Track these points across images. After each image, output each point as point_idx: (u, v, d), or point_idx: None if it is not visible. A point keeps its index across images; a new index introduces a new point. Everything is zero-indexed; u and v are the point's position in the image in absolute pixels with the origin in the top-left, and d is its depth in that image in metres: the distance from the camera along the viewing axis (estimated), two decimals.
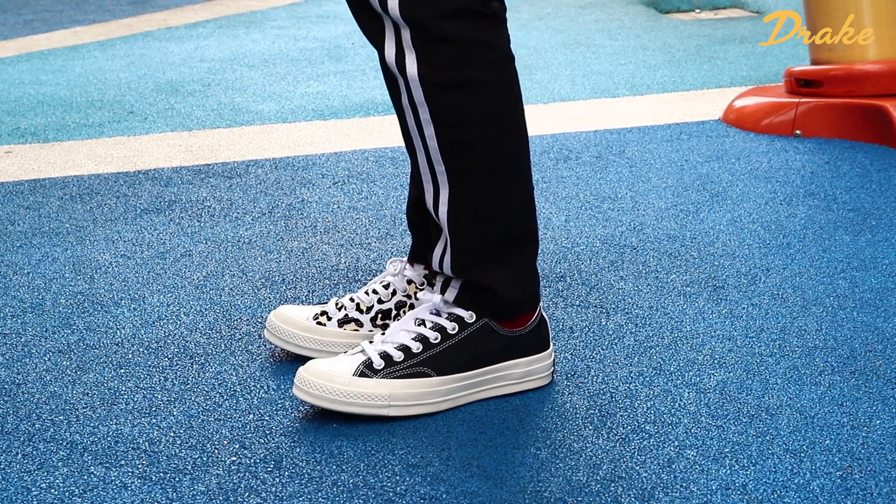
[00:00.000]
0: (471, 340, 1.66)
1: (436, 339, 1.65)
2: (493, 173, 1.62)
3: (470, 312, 1.66)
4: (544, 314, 1.72)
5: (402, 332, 1.65)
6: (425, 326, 1.65)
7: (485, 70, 1.58)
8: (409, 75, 1.58)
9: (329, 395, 1.60)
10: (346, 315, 1.79)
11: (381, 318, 1.79)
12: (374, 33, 1.61)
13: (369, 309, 1.79)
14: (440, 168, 1.61)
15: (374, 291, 1.80)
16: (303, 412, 1.66)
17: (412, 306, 1.79)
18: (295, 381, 1.63)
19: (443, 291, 1.68)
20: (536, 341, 1.70)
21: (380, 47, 1.59)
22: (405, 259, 1.82)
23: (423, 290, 1.77)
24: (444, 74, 1.57)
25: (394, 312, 1.79)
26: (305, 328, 1.78)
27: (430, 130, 1.60)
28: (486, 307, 1.66)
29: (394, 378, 1.62)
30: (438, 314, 1.66)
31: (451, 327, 1.66)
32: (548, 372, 1.72)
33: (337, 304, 1.81)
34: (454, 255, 1.65)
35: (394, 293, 1.80)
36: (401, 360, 1.63)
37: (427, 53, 1.56)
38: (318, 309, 1.80)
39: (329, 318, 1.79)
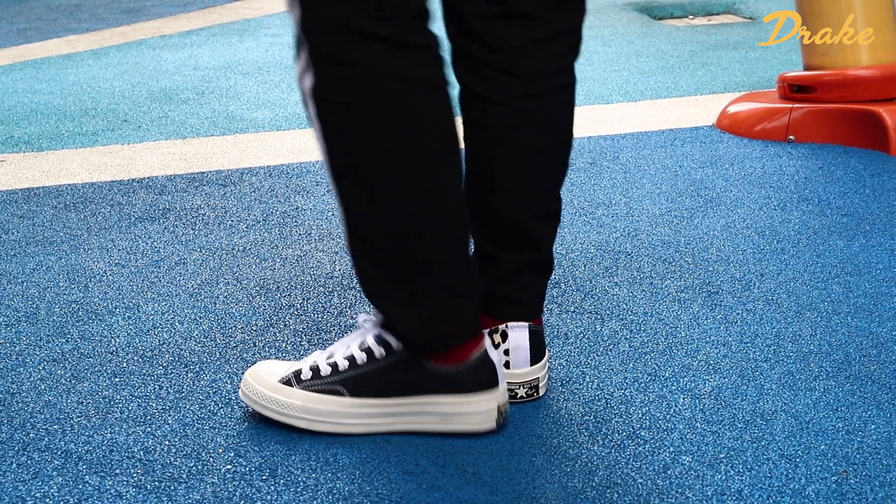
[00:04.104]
0: (392, 368, 1.60)
1: (362, 361, 1.61)
2: (372, 198, 1.51)
3: (398, 341, 1.60)
4: (492, 356, 1.60)
5: (342, 349, 1.63)
6: (359, 348, 1.62)
7: (355, 92, 1.46)
8: (303, 90, 1.50)
9: (252, 396, 1.64)
10: None
11: None
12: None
13: None
14: (334, 191, 1.54)
15: None
16: None
17: None
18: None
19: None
20: (471, 381, 1.59)
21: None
22: None
23: None
24: (325, 92, 1.48)
25: None
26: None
27: (322, 148, 1.52)
28: (399, 338, 1.61)
29: (313, 391, 1.61)
30: (377, 337, 1.61)
31: (379, 352, 1.60)
32: (489, 418, 1.60)
33: None
34: (358, 279, 1.58)
35: None
36: (327, 374, 1.61)
37: (318, 69, 1.47)
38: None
39: None
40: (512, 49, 1.59)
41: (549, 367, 1.78)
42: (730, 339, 1.88)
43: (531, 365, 1.69)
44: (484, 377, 1.60)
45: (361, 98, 1.46)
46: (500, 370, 1.61)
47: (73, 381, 1.78)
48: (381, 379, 1.60)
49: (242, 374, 1.79)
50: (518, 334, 1.68)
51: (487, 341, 1.62)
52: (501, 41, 1.59)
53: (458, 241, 1.55)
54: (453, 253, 1.55)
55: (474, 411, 1.60)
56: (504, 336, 1.69)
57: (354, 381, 1.61)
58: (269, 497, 1.48)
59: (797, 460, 1.54)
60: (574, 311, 1.99)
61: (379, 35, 1.44)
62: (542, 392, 1.71)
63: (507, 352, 1.68)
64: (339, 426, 1.62)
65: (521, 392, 1.69)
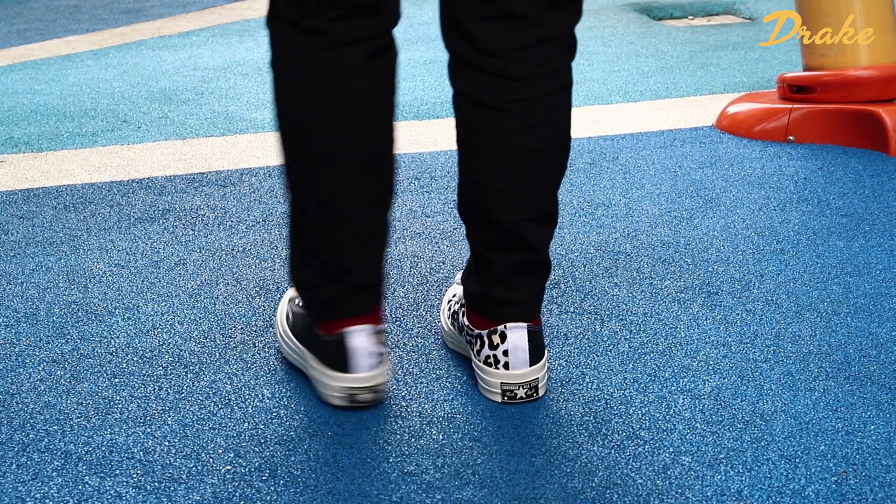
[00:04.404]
0: (305, 316, 1.76)
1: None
2: (287, 168, 1.65)
3: None
4: (357, 345, 1.66)
5: None
6: None
7: (275, 70, 1.62)
8: None
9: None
10: None
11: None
12: None
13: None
14: None
15: None
16: (298, 420, 1.66)
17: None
18: None
19: None
20: (328, 355, 1.69)
21: None
22: None
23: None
24: (271, 68, 1.65)
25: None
26: None
27: None
28: None
29: (290, 308, 1.83)
30: None
31: None
32: (335, 396, 1.68)
33: None
34: None
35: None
36: (298, 302, 1.81)
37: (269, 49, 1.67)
38: None
39: None
40: (506, 52, 1.59)
41: (548, 368, 1.79)
42: (729, 339, 1.88)
43: (530, 365, 1.69)
44: (336, 357, 1.68)
45: (277, 75, 1.60)
46: (364, 361, 1.67)
47: (72, 382, 1.78)
48: (299, 321, 1.77)
49: (242, 374, 1.80)
50: (517, 335, 1.69)
51: (368, 332, 1.67)
52: (495, 44, 1.59)
53: (347, 231, 1.63)
54: (342, 238, 1.64)
55: (325, 383, 1.70)
56: (503, 337, 1.69)
57: (294, 315, 1.80)
58: (268, 498, 1.48)
59: (797, 461, 1.54)
60: (574, 312, 1.99)
61: (287, 18, 1.57)
62: (541, 392, 1.71)
63: (505, 352, 1.68)
64: (284, 350, 1.83)
65: (521, 392, 1.69)
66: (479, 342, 1.71)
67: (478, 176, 1.65)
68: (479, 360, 1.72)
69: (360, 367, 1.67)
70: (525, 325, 1.69)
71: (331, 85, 1.56)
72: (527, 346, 1.69)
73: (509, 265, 1.68)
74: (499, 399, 1.70)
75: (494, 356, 1.69)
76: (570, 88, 1.66)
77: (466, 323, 1.75)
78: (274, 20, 1.60)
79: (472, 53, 1.61)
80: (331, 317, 1.68)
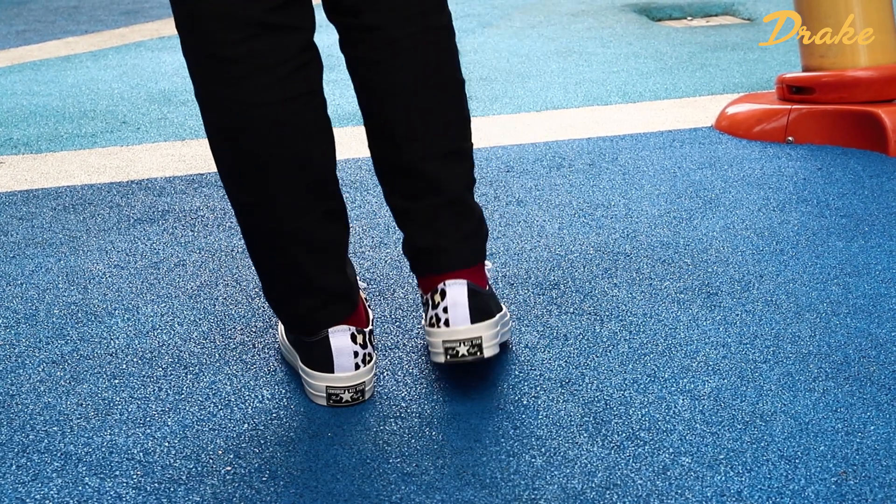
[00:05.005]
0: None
1: None
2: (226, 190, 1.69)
3: None
4: (337, 346, 1.68)
5: None
6: None
7: (196, 99, 1.64)
8: None
9: None
10: None
11: None
12: None
13: None
14: None
15: None
16: (298, 421, 1.66)
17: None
18: None
19: None
20: (311, 356, 1.70)
21: None
22: None
23: None
24: None
25: None
26: None
27: None
28: None
29: None
30: None
31: None
32: (318, 395, 1.70)
33: None
34: None
35: None
36: None
37: None
38: None
39: None
40: (367, 6, 1.64)
41: (500, 332, 1.74)
42: (729, 340, 1.89)
43: (472, 322, 1.67)
44: (318, 357, 1.69)
45: (203, 108, 1.62)
46: (345, 361, 1.68)
47: (72, 383, 1.78)
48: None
49: (242, 375, 1.80)
50: (455, 291, 1.67)
51: (350, 332, 1.68)
52: (354, 3, 1.64)
53: (304, 249, 1.64)
54: (300, 256, 1.65)
55: (309, 382, 1.71)
56: (442, 294, 1.68)
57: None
58: (268, 498, 1.48)
59: (797, 461, 1.54)
60: (573, 313, 1.99)
61: (197, 47, 1.57)
62: (487, 353, 1.68)
63: (445, 309, 1.67)
64: (281, 351, 1.84)
65: (463, 350, 1.67)
66: (426, 306, 1.71)
67: (378, 129, 1.70)
68: (426, 324, 1.71)
69: (340, 367, 1.68)
70: (464, 281, 1.68)
71: (256, 116, 1.57)
72: (466, 302, 1.67)
73: (426, 210, 1.70)
74: (442, 359, 1.68)
75: (436, 315, 1.68)
76: (447, 28, 1.69)
77: (420, 291, 1.76)
78: (188, 51, 1.59)
79: (343, 18, 1.66)
80: (307, 331, 1.69)
